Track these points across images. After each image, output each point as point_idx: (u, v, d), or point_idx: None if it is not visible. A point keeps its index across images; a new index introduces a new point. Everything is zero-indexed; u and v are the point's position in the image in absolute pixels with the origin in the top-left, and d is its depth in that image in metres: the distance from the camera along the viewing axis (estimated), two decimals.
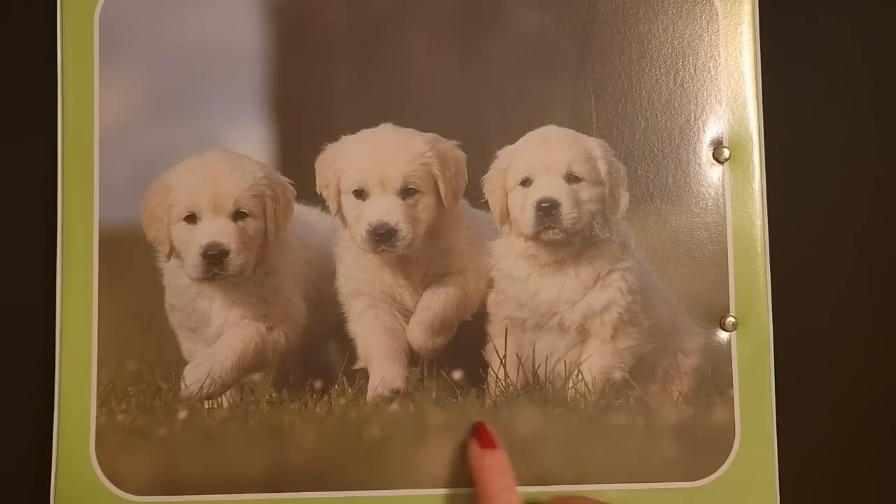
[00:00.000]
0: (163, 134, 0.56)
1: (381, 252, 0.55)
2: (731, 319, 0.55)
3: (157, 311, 0.55)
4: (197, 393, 0.55)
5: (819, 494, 0.57)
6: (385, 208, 0.55)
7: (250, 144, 0.56)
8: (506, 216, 0.56)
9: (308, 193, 0.56)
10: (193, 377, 0.55)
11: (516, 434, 0.54)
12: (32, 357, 0.56)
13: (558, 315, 0.56)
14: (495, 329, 0.56)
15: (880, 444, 0.58)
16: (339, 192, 0.56)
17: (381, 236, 0.54)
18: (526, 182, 0.56)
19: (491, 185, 0.56)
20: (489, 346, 0.56)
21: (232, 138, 0.56)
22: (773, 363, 0.55)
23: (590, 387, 0.55)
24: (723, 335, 0.55)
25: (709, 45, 0.56)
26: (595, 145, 0.56)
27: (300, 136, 0.56)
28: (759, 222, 0.55)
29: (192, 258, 0.54)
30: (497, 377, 0.56)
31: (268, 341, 0.56)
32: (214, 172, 0.55)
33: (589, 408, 0.55)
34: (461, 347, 0.56)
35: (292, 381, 0.56)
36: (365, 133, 0.55)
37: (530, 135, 0.56)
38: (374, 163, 0.55)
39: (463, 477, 0.54)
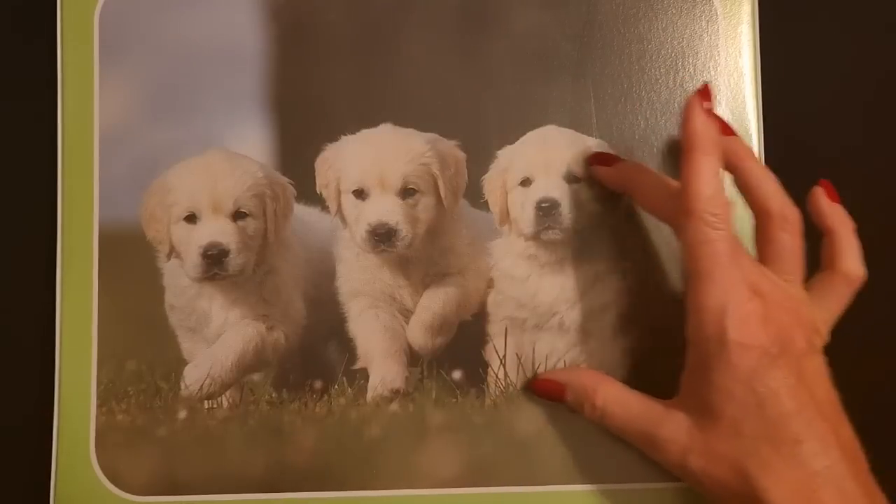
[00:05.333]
0: (163, 134, 0.56)
1: (380, 252, 0.55)
2: None
3: (157, 311, 0.55)
4: (197, 393, 0.55)
5: None
6: (385, 208, 0.55)
7: (250, 144, 0.56)
8: (506, 216, 0.56)
9: (308, 193, 0.56)
10: (193, 377, 0.55)
11: (516, 434, 0.54)
12: (32, 357, 0.56)
13: (558, 315, 0.56)
14: (495, 329, 0.56)
15: (881, 445, 0.58)
16: (338, 192, 0.56)
17: (381, 236, 0.54)
18: (526, 182, 0.56)
19: (491, 185, 0.56)
20: (489, 346, 0.56)
21: (232, 138, 0.56)
22: None
23: None
24: None
25: (708, 45, 0.56)
26: (595, 145, 0.56)
27: (300, 136, 0.56)
28: None
29: (192, 258, 0.54)
30: (497, 377, 0.56)
31: (268, 341, 0.56)
32: (214, 172, 0.55)
33: None
34: (461, 347, 0.56)
35: (292, 381, 0.56)
36: (365, 133, 0.55)
37: (530, 135, 0.56)
38: (374, 163, 0.55)
39: (463, 477, 0.54)
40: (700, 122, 0.49)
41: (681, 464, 0.49)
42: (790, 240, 0.50)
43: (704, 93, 0.50)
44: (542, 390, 0.54)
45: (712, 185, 0.48)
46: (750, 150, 0.52)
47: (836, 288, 0.52)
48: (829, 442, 0.46)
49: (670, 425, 0.49)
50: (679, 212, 0.49)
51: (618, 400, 0.51)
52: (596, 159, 0.55)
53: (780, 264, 0.50)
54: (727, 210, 0.48)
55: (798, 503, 0.45)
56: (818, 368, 0.48)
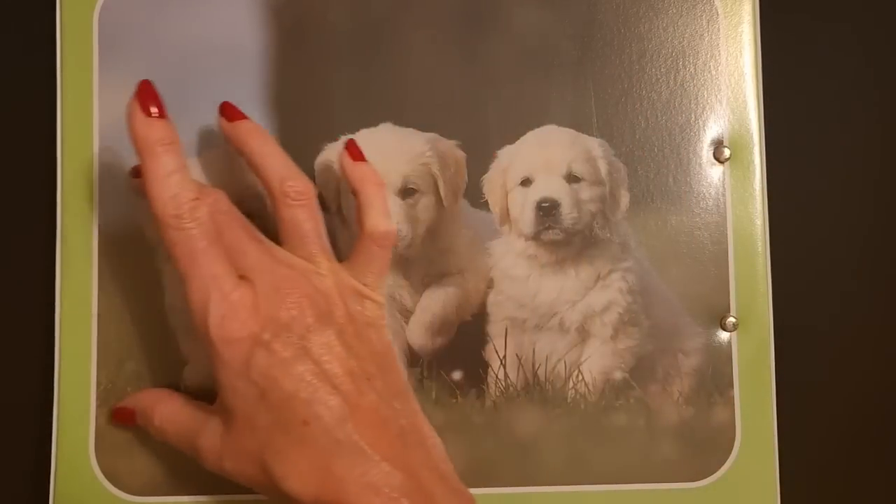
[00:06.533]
0: None
1: None
2: (731, 319, 0.55)
3: (157, 311, 0.55)
4: (197, 393, 0.55)
5: (819, 494, 0.57)
6: None
7: None
8: (506, 216, 0.56)
9: None
10: (193, 377, 0.55)
11: (516, 434, 0.54)
12: (32, 357, 0.56)
13: (558, 315, 0.56)
14: (495, 329, 0.56)
15: (881, 445, 0.58)
16: (338, 192, 0.55)
17: None
18: (526, 182, 0.56)
19: (491, 184, 0.56)
20: (489, 347, 0.56)
21: None
22: (773, 363, 0.55)
23: (590, 387, 0.55)
24: (723, 335, 0.55)
25: (709, 45, 0.56)
26: (595, 145, 0.56)
27: (300, 136, 0.56)
28: (759, 222, 0.55)
29: None
30: (497, 377, 0.56)
31: None
32: (214, 172, 0.55)
33: (589, 408, 0.55)
34: (461, 348, 0.56)
35: None
36: (364, 133, 0.55)
37: (530, 135, 0.56)
38: (374, 163, 0.55)
39: (463, 477, 0.54)
40: (140, 125, 0.47)
41: (219, 468, 0.48)
42: (298, 214, 0.49)
43: (143, 93, 0.48)
44: (116, 419, 0.54)
45: (167, 185, 0.46)
46: (256, 131, 0.51)
47: (367, 249, 0.51)
48: (339, 415, 0.45)
49: (207, 433, 0.48)
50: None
51: (170, 416, 0.50)
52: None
53: (295, 240, 0.49)
54: (194, 206, 0.47)
55: (315, 483, 0.44)
56: (329, 342, 0.46)
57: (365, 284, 0.50)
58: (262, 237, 0.49)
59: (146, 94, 0.48)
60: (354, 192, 0.52)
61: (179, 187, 0.47)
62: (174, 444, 0.50)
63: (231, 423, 0.47)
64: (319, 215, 0.50)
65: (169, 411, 0.51)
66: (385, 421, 0.46)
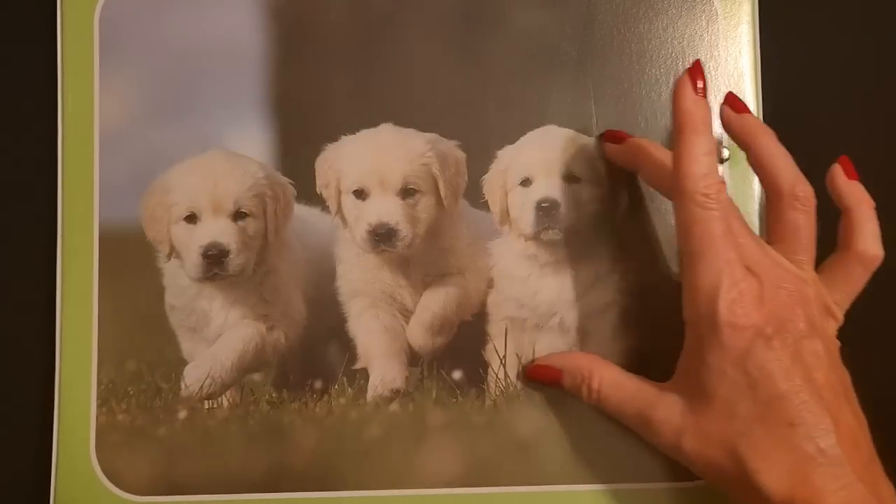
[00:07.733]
0: (163, 134, 0.56)
1: (380, 252, 0.55)
2: None
3: (157, 311, 0.55)
4: (197, 393, 0.55)
5: None
6: (385, 208, 0.55)
7: (250, 144, 0.56)
8: (506, 216, 0.56)
9: (308, 193, 0.56)
10: (193, 377, 0.55)
11: (516, 434, 0.54)
12: (32, 357, 0.56)
13: (558, 315, 0.56)
14: (495, 329, 0.56)
15: (880, 445, 0.58)
16: (339, 192, 0.56)
17: (381, 236, 0.54)
18: (526, 182, 0.56)
19: (491, 185, 0.56)
20: (489, 346, 0.56)
21: (232, 138, 0.56)
22: None
23: None
24: None
25: (708, 46, 0.56)
26: (595, 145, 0.56)
27: (300, 136, 0.56)
28: (758, 222, 0.55)
29: (192, 258, 0.54)
30: (497, 377, 0.56)
31: (268, 341, 0.56)
32: (214, 172, 0.55)
33: (588, 408, 0.55)
34: (461, 347, 0.56)
35: (292, 381, 0.56)
36: (365, 133, 0.55)
37: (530, 135, 0.56)
38: (374, 163, 0.55)
39: (463, 477, 0.54)
40: (690, 101, 0.48)
41: (675, 445, 0.48)
42: (800, 219, 0.50)
43: (695, 71, 0.49)
44: (539, 376, 0.54)
45: (703, 164, 0.47)
46: (763, 127, 0.51)
47: (849, 268, 0.51)
48: (824, 426, 0.45)
49: (664, 407, 0.49)
50: (673, 192, 0.48)
51: (613, 382, 0.51)
52: (607, 137, 0.55)
53: (789, 244, 0.50)
54: (720, 189, 0.47)
55: (790, 485, 0.45)
56: (818, 351, 0.47)
57: (835, 302, 0.50)
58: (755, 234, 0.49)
59: (698, 72, 0.49)
60: (846, 210, 0.52)
61: (710, 168, 0.47)
62: (614, 410, 0.51)
63: (704, 406, 0.47)
64: (815, 223, 0.50)
65: (611, 376, 0.51)
66: (858, 442, 0.46)
